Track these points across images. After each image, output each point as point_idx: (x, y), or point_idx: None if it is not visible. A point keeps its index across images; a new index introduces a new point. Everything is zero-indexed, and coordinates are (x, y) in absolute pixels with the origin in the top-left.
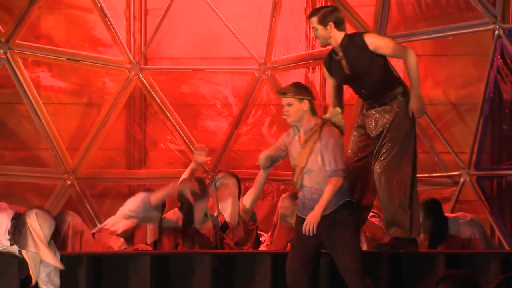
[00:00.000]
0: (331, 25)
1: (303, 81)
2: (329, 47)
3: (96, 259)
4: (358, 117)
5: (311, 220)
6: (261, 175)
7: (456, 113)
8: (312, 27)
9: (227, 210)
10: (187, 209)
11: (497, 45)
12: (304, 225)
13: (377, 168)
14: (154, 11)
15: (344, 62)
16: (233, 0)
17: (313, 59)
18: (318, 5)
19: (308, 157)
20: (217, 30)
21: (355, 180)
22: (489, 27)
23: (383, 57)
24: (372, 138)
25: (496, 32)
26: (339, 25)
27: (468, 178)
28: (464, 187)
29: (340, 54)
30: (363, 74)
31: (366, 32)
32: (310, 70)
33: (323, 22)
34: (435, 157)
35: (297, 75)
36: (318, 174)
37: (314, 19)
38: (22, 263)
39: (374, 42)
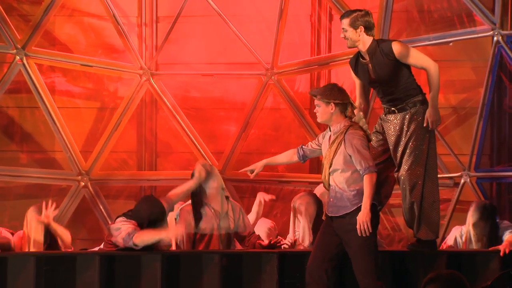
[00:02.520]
0: (361, 28)
1: (308, 86)
2: (335, 53)
3: (108, 258)
4: (377, 122)
5: (362, 219)
6: (289, 155)
7: (457, 116)
8: (342, 28)
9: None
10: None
11: (496, 50)
12: (358, 227)
13: (401, 175)
14: (165, 18)
15: (370, 66)
16: (241, 7)
17: (318, 65)
18: (323, 14)
19: (333, 158)
20: (225, 36)
21: None
22: (488, 34)
23: (407, 66)
24: (390, 143)
25: (495, 38)
26: (368, 30)
27: (468, 180)
28: (464, 188)
29: (367, 58)
30: (387, 79)
31: (394, 40)
32: (316, 75)
33: (354, 24)
34: None
35: (303, 80)
36: (341, 174)
37: (346, 21)
38: None
39: (401, 50)
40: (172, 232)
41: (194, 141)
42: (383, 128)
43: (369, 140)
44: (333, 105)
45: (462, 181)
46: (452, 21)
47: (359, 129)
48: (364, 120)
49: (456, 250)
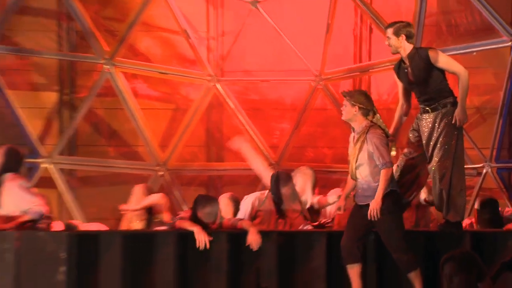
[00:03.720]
0: (402, 36)
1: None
2: (374, 61)
3: (182, 236)
4: (414, 121)
5: (373, 207)
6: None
7: (480, 115)
8: (387, 36)
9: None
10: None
11: None
12: (369, 213)
13: (432, 166)
14: (229, 32)
15: (409, 70)
16: (294, 22)
17: (360, 71)
18: (364, 28)
19: (358, 154)
20: (280, 47)
21: (406, 174)
22: (507, 44)
23: (441, 71)
24: (423, 138)
25: None
26: (409, 38)
27: (489, 170)
28: (486, 177)
29: (407, 62)
30: (422, 81)
31: (431, 48)
32: (358, 80)
33: (397, 33)
34: None
35: (347, 85)
36: (366, 168)
37: (390, 30)
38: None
39: (435, 56)
40: (199, 231)
41: (254, 136)
42: (418, 126)
43: (387, 136)
44: (357, 108)
45: (484, 171)
46: (476, 34)
47: (379, 129)
48: (381, 120)
49: (479, 230)
